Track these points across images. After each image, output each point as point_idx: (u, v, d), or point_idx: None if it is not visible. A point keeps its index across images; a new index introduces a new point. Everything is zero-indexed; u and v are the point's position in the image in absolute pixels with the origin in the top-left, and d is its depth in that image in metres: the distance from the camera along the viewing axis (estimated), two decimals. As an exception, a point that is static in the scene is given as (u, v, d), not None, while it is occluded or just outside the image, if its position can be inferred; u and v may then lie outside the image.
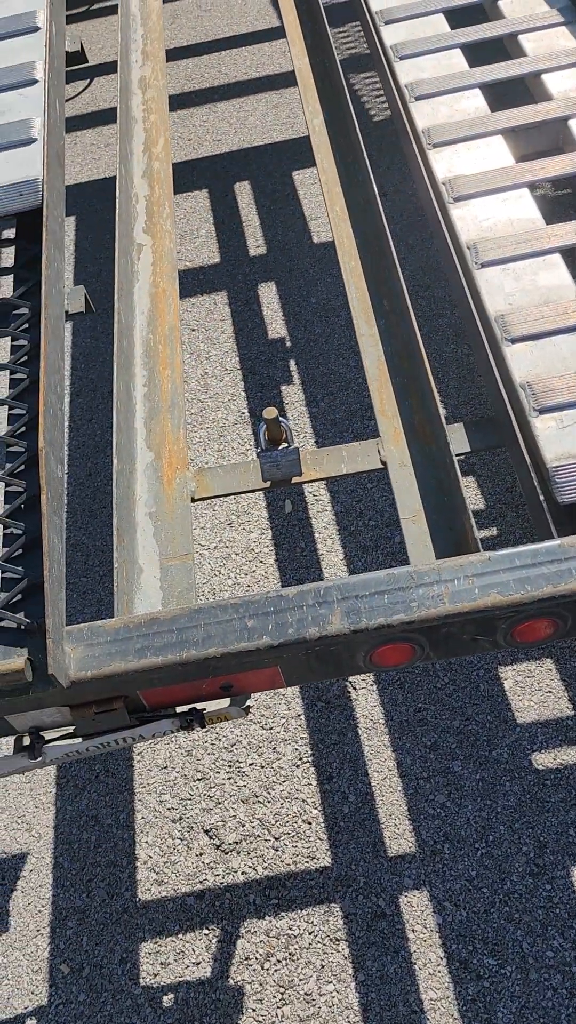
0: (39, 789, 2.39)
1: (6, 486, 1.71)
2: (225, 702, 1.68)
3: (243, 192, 3.99)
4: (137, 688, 1.60)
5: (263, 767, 2.31)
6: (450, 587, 1.54)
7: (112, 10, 5.18)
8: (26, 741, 1.66)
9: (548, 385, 1.76)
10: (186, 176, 4.10)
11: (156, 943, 2.10)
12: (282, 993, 2.00)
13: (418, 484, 1.89)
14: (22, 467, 1.73)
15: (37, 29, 2.42)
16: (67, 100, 4.69)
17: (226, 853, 2.20)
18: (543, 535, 1.64)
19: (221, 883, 2.16)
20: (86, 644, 1.57)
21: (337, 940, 2.04)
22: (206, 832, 2.24)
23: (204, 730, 2.36)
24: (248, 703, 1.70)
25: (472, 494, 2.76)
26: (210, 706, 1.67)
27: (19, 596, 1.57)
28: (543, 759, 2.23)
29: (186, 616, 1.57)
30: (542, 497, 1.65)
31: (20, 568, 1.59)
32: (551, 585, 1.48)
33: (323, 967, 2.02)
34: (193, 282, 3.62)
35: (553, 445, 1.69)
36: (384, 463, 1.93)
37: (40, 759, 1.64)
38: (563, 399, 1.74)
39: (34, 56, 2.35)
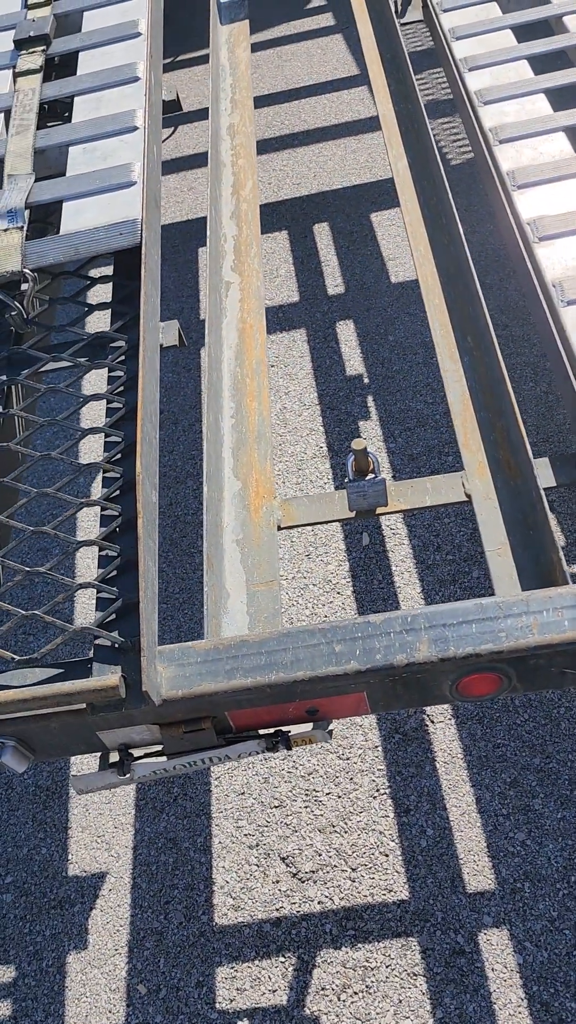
0: (119, 809, 2.43)
1: (102, 510, 1.77)
2: (309, 726, 1.70)
3: (322, 233, 4.09)
4: (225, 709, 1.63)
5: (340, 797, 2.32)
6: (538, 619, 1.54)
7: (196, 61, 5.40)
8: (114, 758, 1.70)
9: None
10: (267, 218, 4.22)
11: (232, 968, 2.11)
12: (358, 1026, 1.99)
13: (503, 517, 1.90)
14: (118, 492, 1.80)
15: (137, 79, 2.55)
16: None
17: (303, 882, 2.20)
18: (633, 569, 1.64)
19: (297, 911, 2.16)
20: (177, 664, 1.61)
21: (415, 975, 2.02)
22: (283, 860, 2.25)
23: (288, 753, 2.38)
24: (331, 728, 1.72)
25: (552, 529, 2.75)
26: (295, 729, 1.70)
27: (113, 615, 1.62)
28: (627, 800, 2.19)
29: (275, 639, 1.60)
30: (631, 531, 1.65)
31: (115, 588, 1.64)
32: None
33: (400, 1002, 2.00)
34: (273, 319, 3.71)
35: None
36: (468, 496, 1.95)
37: (128, 776, 1.68)
38: None
39: (134, 105, 2.47)
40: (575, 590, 1.54)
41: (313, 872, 2.21)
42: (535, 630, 1.52)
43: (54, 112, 2.68)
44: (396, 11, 3.21)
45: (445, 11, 2.98)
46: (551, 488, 1.90)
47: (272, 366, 3.54)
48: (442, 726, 2.39)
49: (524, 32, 2.84)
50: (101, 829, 2.42)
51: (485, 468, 1.99)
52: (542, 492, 1.80)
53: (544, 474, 1.91)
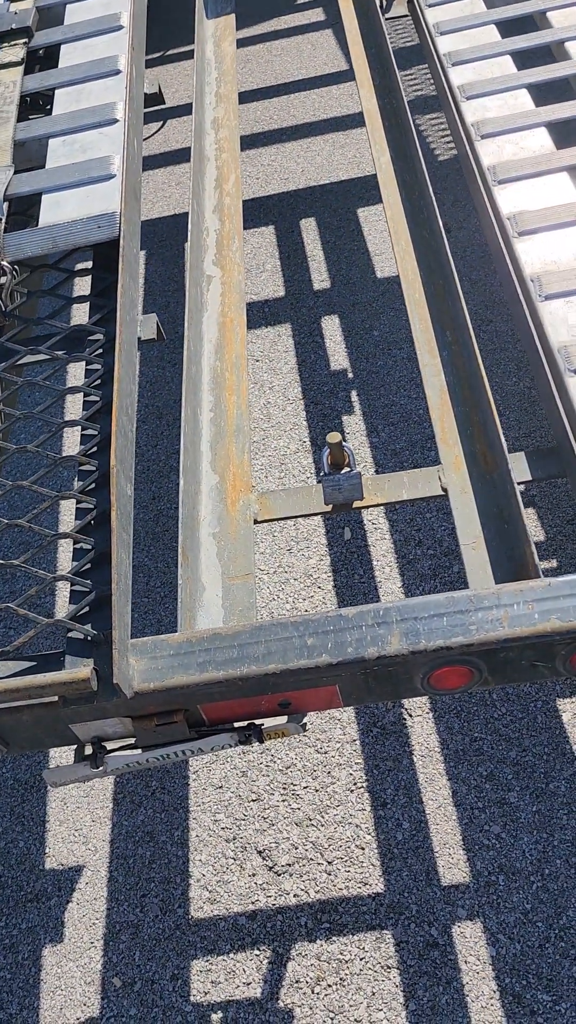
0: (96, 803, 2.44)
1: (77, 503, 1.77)
2: (283, 718, 1.70)
3: (309, 228, 4.09)
4: (198, 702, 1.63)
5: (317, 791, 2.32)
6: (509, 611, 1.54)
7: (185, 56, 5.39)
8: (88, 751, 1.70)
9: (611, 416, 1.77)
10: (254, 213, 4.22)
11: (207, 961, 2.11)
12: (332, 1018, 1.99)
13: (478, 511, 1.91)
14: (93, 485, 1.80)
15: (119, 72, 2.54)
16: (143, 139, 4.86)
17: (279, 875, 2.21)
18: (604, 563, 1.64)
19: (273, 904, 2.17)
20: (150, 657, 1.61)
21: (388, 968, 2.03)
22: (259, 853, 2.25)
23: (262, 746, 2.38)
24: (305, 720, 1.73)
25: (532, 525, 2.76)
26: (268, 722, 1.70)
27: (87, 608, 1.62)
28: (602, 794, 2.20)
29: (247, 632, 1.60)
30: (604, 525, 1.66)
31: (88, 581, 1.64)
32: (613, 612, 1.48)
33: (374, 994, 2.01)
34: (258, 314, 3.71)
35: (615, 474, 1.70)
36: (445, 490, 1.95)
37: (101, 769, 1.68)
38: (626, 429, 1.74)
39: (115, 97, 2.47)
40: (545, 583, 1.55)
41: (289, 865, 2.22)
42: (505, 623, 1.52)
43: (35, 104, 2.67)
44: (381, 6, 3.21)
45: (430, 6, 2.98)
46: (527, 482, 1.90)
47: (257, 361, 3.53)
48: (420, 720, 2.40)
49: (508, 27, 2.84)
50: (79, 823, 2.42)
51: (461, 462, 1.99)
52: (516, 486, 1.81)
53: (519, 468, 1.92)
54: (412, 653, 1.52)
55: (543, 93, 2.57)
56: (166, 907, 2.23)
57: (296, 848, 2.24)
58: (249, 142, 4.68)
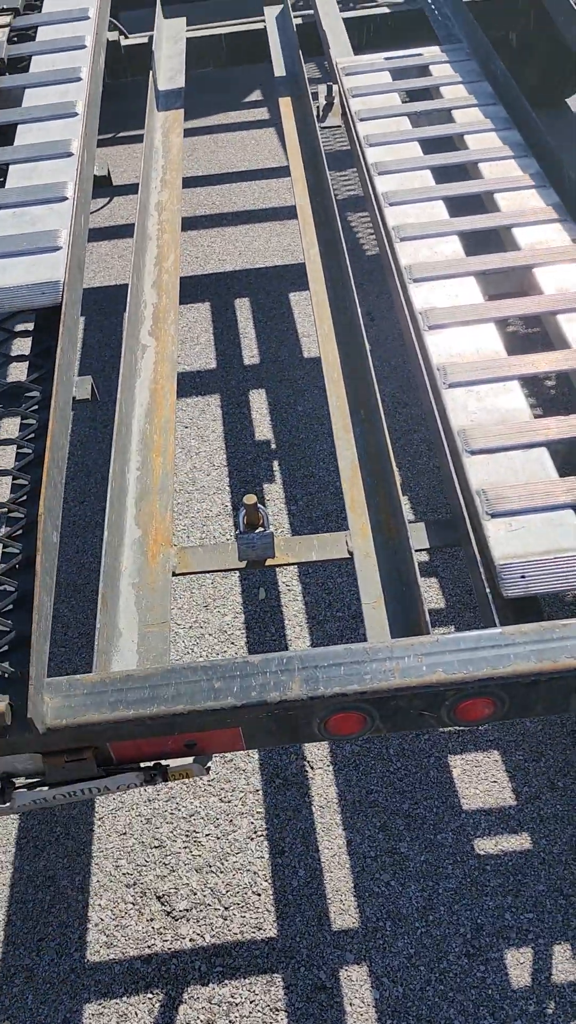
0: (-1, 847, 2.46)
1: (3, 547, 1.87)
2: (188, 759, 1.80)
3: (242, 307, 4.33)
4: (107, 739, 1.72)
5: (219, 838, 2.40)
6: (401, 663, 1.69)
7: (133, 140, 5.68)
8: (-5, 786, 1.76)
9: (500, 493, 1.98)
10: (191, 289, 4.44)
11: (100, 1005, 2.14)
12: (219, 1061, 2.04)
13: (380, 574, 2.08)
14: (20, 531, 1.90)
15: (71, 155, 2.74)
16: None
17: (176, 920, 2.26)
18: (488, 624, 1.82)
19: (169, 949, 2.22)
20: (64, 695, 1.70)
21: (276, 1010, 2.10)
22: (158, 898, 2.31)
23: (172, 795, 2.45)
24: (209, 763, 1.83)
25: (434, 594, 2.94)
26: (174, 762, 1.80)
27: (5, 647, 1.71)
28: (485, 845, 2.34)
29: (159, 675, 1.71)
30: (488, 590, 1.84)
31: (9, 621, 1.73)
32: (490, 667, 1.65)
33: (261, 1037, 2.07)
34: (190, 384, 3.89)
35: (502, 546, 1.89)
36: (351, 553, 2.12)
37: (8, 804, 1.74)
38: (513, 506, 1.95)
39: (66, 177, 2.66)
40: (434, 639, 1.71)
41: (187, 910, 2.28)
42: (397, 673, 1.67)
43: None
44: (318, 115, 3.51)
45: (361, 120, 3.30)
46: (425, 549, 2.08)
47: (186, 427, 3.70)
48: (320, 772, 2.52)
49: (430, 145, 3.16)
50: (-20, 867, 2.44)
51: (367, 528, 2.17)
52: (414, 553, 1.99)
53: (419, 536, 2.10)
54: (310, 699, 1.65)
55: (457, 205, 2.87)
56: (62, 951, 2.25)
57: (195, 894, 2.31)
58: (191, 224, 4.94)
